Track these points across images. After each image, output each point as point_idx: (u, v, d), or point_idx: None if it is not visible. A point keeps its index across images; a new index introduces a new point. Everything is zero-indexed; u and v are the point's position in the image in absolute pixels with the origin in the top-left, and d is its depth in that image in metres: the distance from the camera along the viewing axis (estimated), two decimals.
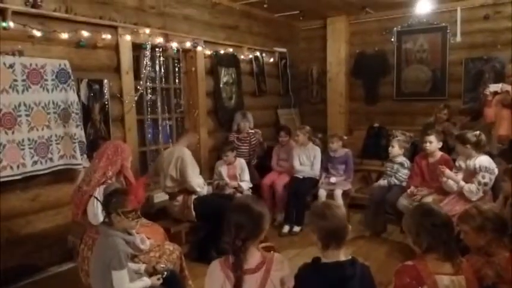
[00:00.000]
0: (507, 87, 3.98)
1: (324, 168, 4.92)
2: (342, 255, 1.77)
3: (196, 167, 3.95)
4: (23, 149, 3.28)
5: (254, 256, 1.75)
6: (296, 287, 1.75)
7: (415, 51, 6.15)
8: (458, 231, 2.03)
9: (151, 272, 2.40)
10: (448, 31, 5.80)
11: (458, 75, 5.83)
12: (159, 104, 4.67)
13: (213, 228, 3.76)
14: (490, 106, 4.14)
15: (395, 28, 6.23)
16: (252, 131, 5.26)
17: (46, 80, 3.41)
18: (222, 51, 5.30)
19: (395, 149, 4.37)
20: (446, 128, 4.74)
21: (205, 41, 4.98)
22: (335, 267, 1.73)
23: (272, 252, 1.86)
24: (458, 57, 5.79)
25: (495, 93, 4.07)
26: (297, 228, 4.56)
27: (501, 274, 1.83)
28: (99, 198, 2.50)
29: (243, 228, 1.71)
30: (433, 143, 3.99)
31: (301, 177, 4.80)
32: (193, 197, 3.86)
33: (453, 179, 3.61)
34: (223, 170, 4.49)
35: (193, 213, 3.81)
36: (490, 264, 1.86)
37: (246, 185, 4.46)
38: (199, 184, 3.86)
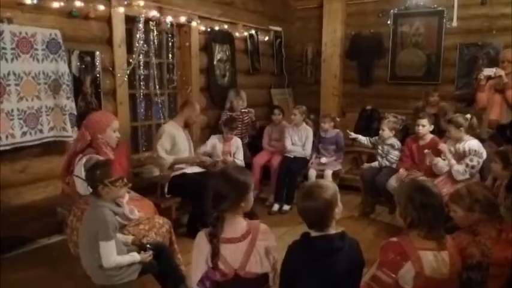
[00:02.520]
0: (501, 71, 3.99)
1: (315, 149, 4.94)
2: (332, 229, 1.78)
3: (165, 142, 3.86)
4: (12, 119, 3.23)
5: (240, 225, 1.77)
6: (287, 262, 1.77)
7: (410, 35, 6.12)
8: (448, 210, 2.06)
9: (138, 245, 2.41)
10: (444, 15, 5.77)
11: (452, 60, 5.82)
12: (151, 78, 4.61)
13: (197, 204, 3.80)
14: (483, 91, 4.16)
15: (392, 10, 6.17)
16: (246, 110, 5.23)
17: (36, 49, 3.33)
18: (216, 28, 5.23)
19: (386, 132, 4.39)
20: (443, 109, 4.78)
21: (200, 17, 4.90)
22: (324, 240, 1.75)
23: (258, 221, 1.87)
24: (453, 42, 5.78)
25: (489, 78, 4.08)
26: (286, 207, 4.60)
27: (486, 254, 1.88)
28: (80, 173, 2.48)
29: (222, 196, 1.72)
30: (425, 127, 4.04)
31: (292, 156, 4.82)
32: (172, 174, 3.89)
33: (446, 156, 3.65)
34: (218, 145, 4.46)
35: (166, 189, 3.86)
36: (476, 243, 1.90)
37: (239, 164, 4.44)
38: (158, 153, 3.82)
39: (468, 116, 3.71)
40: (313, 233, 1.78)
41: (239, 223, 1.78)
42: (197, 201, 3.81)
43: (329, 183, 1.84)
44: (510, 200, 2.15)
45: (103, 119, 2.77)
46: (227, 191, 1.74)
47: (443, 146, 3.70)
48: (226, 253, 1.71)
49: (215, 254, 1.69)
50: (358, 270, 1.82)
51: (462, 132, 3.62)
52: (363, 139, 4.69)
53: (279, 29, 6.44)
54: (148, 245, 2.41)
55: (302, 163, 4.82)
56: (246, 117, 5.22)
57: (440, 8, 5.80)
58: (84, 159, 2.54)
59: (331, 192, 1.75)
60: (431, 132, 4.13)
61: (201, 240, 1.76)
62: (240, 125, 5.17)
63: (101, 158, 2.55)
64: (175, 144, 3.93)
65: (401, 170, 4.08)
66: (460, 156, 3.60)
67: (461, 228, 2.01)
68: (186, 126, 4.12)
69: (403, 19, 6.15)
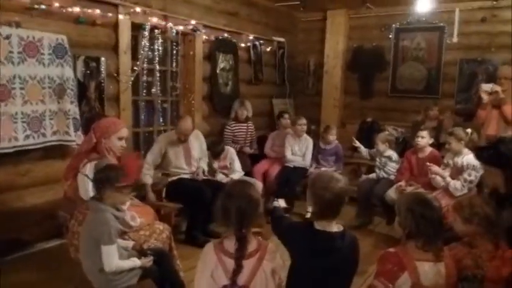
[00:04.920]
0: (497, 87, 4.06)
1: (315, 159, 4.97)
2: (334, 226, 1.84)
3: (155, 151, 3.93)
4: (16, 123, 3.25)
5: (250, 242, 1.75)
6: (284, 235, 1.85)
7: (411, 49, 6.21)
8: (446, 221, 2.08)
9: (139, 250, 2.43)
10: (445, 31, 5.85)
11: (452, 75, 5.90)
12: (155, 85, 4.66)
13: (195, 211, 3.82)
14: (485, 108, 4.21)
15: (394, 25, 6.26)
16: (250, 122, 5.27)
17: (42, 53, 3.38)
18: (221, 37, 5.29)
19: (380, 145, 4.45)
20: (442, 123, 4.82)
21: (204, 26, 4.97)
22: (326, 237, 1.80)
23: (267, 241, 1.87)
24: (454, 58, 5.86)
25: (489, 94, 4.14)
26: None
27: (481, 266, 1.90)
28: (89, 174, 2.50)
29: (245, 214, 1.71)
30: (424, 139, 4.08)
31: (292, 166, 4.85)
32: (168, 179, 3.96)
33: (440, 174, 3.70)
34: (214, 163, 4.45)
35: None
36: (471, 255, 1.92)
37: (238, 175, 4.42)
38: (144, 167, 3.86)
39: (469, 130, 3.76)
40: (317, 225, 1.83)
41: (250, 241, 1.76)
42: (195, 209, 3.83)
43: (340, 176, 1.92)
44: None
45: (111, 125, 2.79)
46: (251, 211, 1.74)
47: (436, 170, 3.74)
48: (232, 267, 1.69)
49: (238, 272, 1.68)
50: (354, 268, 1.90)
51: (462, 146, 3.66)
52: (363, 150, 4.74)
53: (282, 39, 6.51)
54: (148, 251, 2.42)
55: (301, 173, 4.84)
56: (250, 127, 5.26)
57: (442, 24, 5.90)
58: (89, 165, 2.56)
59: (345, 184, 1.86)
60: (431, 145, 4.17)
61: (209, 251, 1.76)
62: (244, 135, 5.21)
63: (113, 162, 2.58)
64: (165, 157, 3.96)
65: (401, 182, 4.10)
66: (458, 170, 3.63)
67: (459, 238, 2.03)
68: (184, 139, 3.99)
69: (404, 33, 6.24)
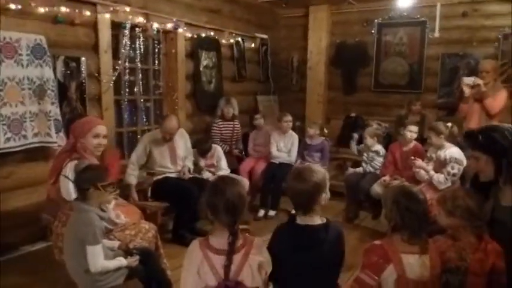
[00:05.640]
0: (479, 81, 4.12)
1: (300, 155, 4.99)
2: (318, 218, 1.84)
3: (137, 152, 3.93)
4: None
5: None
6: (273, 244, 1.83)
7: (394, 44, 6.26)
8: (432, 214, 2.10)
9: (125, 250, 2.41)
10: (427, 26, 5.92)
11: (434, 69, 5.98)
12: (137, 85, 4.61)
13: (181, 210, 3.80)
14: (466, 102, 4.27)
15: (376, 20, 6.31)
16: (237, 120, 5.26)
17: (21, 54, 3.31)
18: (203, 35, 5.26)
19: (368, 139, 4.49)
20: (424, 117, 4.87)
21: (186, 23, 4.93)
22: (308, 231, 1.81)
23: (253, 236, 1.87)
24: (435, 52, 5.93)
25: (471, 88, 4.19)
26: (272, 213, 4.63)
27: (465, 258, 1.92)
28: (70, 175, 2.47)
29: (237, 210, 1.72)
30: (413, 133, 4.14)
31: (277, 162, 4.86)
32: (153, 178, 3.94)
33: (424, 168, 3.75)
34: (201, 161, 4.45)
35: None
36: (455, 247, 1.95)
37: (224, 173, 4.36)
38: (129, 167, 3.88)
39: (449, 124, 3.81)
40: (299, 220, 1.84)
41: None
42: (181, 208, 3.81)
43: (321, 169, 1.89)
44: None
45: (85, 125, 2.76)
46: (241, 207, 1.74)
47: (419, 164, 3.79)
48: (218, 264, 1.70)
49: (229, 266, 1.68)
50: (340, 260, 1.90)
51: (442, 140, 3.71)
52: (353, 146, 4.78)
53: (265, 36, 6.51)
54: (134, 250, 2.40)
55: (287, 169, 4.83)
56: (236, 125, 5.25)
57: (423, 19, 5.96)
58: (69, 165, 2.53)
59: (321, 177, 1.82)
60: (415, 139, 4.22)
61: (194, 249, 1.75)
62: (230, 133, 5.19)
63: (92, 162, 2.55)
64: (150, 156, 3.94)
65: (386, 176, 4.15)
66: (441, 163, 3.68)
67: (444, 231, 2.06)
68: (169, 138, 3.96)
69: (387, 29, 6.29)
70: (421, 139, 4.48)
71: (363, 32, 6.44)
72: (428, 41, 5.95)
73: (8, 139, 3.28)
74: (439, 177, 3.62)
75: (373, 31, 6.34)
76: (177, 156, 4.04)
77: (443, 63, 5.89)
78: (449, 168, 3.60)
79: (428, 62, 6.01)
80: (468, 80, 4.22)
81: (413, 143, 4.19)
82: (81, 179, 2.23)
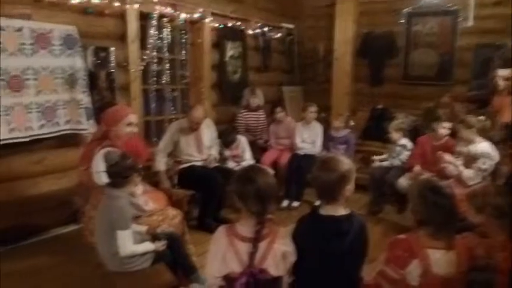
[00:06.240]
0: None
1: (325, 147, 4.96)
2: (341, 209, 1.82)
3: (164, 140, 4.02)
4: (30, 112, 3.32)
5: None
6: (293, 234, 1.82)
7: (424, 34, 6.06)
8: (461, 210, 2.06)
9: (152, 234, 2.48)
10: (459, 15, 5.72)
11: (466, 60, 5.76)
12: (164, 74, 4.68)
13: (207, 198, 3.86)
14: (500, 95, 4.12)
15: (405, 9, 6.14)
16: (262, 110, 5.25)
17: (53, 45, 3.42)
18: (229, 24, 5.27)
19: (393, 134, 4.41)
20: (456, 111, 4.75)
21: (212, 13, 4.94)
22: (331, 221, 1.79)
23: (278, 226, 1.88)
24: (467, 43, 5.72)
25: (506, 80, 4.04)
26: (296, 203, 4.64)
27: (493, 256, 1.88)
28: (100, 161, 2.54)
29: (267, 199, 1.72)
30: (446, 129, 4.00)
31: (302, 153, 4.85)
32: (180, 166, 4.01)
33: (453, 163, 3.65)
34: (226, 152, 4.51)
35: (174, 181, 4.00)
36: (484, 245, 1.91)
37: (248, 163, 4.39)
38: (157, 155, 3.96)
39: (482, 117, 3.66)
40: (322, 210, 1.82)
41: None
42: (206, 196, 3.87)
43: (347, 160, 1.86)
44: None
45: (117, 113, 2.84)
46: (273, 194, 1.76)
47: (448, 158, 3.67)
48: (243, 251, 1.72)
49: (255, 253, 1.70)
50: (363, 251, 1.88)
51: (473, 134, 3.57)
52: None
53: (291, 26, 6.45)
54: (161, 235, 2.47)
55: (312, 160, 4.82)
56: (261, 116, 5.25)
57: (455, 7, 5.76)
58: (101, 151, 2.60)
59: (347, 168, 1.79)
60: None
61: (220, 235, 1.78)
62: (256, 123, 5.20)
63: (119, 151, 2.62)
64: (177, 145, 4.01)
65: (416, 168, 4.03)
66: (471, 159, 3.55)
67: (474, 228, 2.02)
68: (195, 128, 4.04)
69: (416, 18, 6.10)
70: (451, 133, 4.35)
71: (391, 21, 6.27)
72: (460, 31, 5.74)
73: (42, 126, 3.41)
74: (468, 173, 3.50)
75: (402, 21, 6.18)
76: (202, 145, 4.11)
77: (476, 54, 5.67)
78: (480, 164, 3.46)
79: (460, 52, 5.81)
80: (504, 72, 4.07)
81: (446, 137, 4.07)
82: (123, 167, 2.29)
